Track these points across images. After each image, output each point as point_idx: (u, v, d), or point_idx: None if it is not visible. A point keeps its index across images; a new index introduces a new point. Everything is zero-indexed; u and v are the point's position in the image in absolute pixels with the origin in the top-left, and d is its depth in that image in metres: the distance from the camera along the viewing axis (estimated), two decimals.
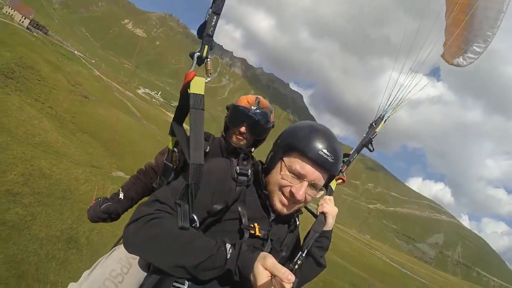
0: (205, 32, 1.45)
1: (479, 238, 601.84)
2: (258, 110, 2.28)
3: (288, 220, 1.64)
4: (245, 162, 1.60)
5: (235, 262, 1.17)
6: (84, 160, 18.46)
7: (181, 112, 1.60)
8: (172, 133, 1.76)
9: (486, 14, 2.88)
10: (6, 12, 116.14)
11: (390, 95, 2.74)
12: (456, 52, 3.20)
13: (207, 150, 2.17)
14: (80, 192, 11.04)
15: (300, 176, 1.43)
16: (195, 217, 1.32)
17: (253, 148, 2.39)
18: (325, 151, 1.41)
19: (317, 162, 1.41)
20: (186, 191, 1.32)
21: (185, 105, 1.50)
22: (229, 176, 1.50)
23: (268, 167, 1.56)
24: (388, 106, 2.74)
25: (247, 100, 2.33)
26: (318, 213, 1.82)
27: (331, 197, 1.88)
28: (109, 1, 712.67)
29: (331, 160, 1.43)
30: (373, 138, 2.62)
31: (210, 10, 1.43)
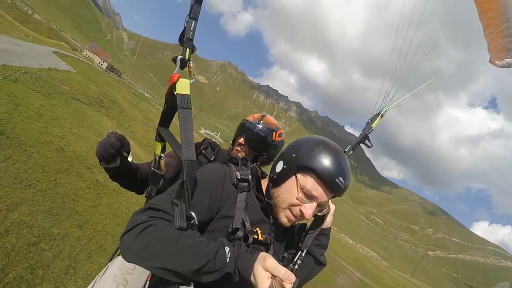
0: (185, 37, 1.50)
1: None
2: (259, 125, 2.31)
3: None
4: (244, 168, 1.62)
5: (234, 265, 1.15)
6: None
7: (167, 117, 1.66)
8: (159, 138, 1.78)
9: None
10: (86, 55, 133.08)
11: (387, 92, 2.69)
12: (502, 52, 3.06)
13: (212, 159, 2.16)
14: None
15: (311, 197, 1.43)
16: (194, 215, 1.31)
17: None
18: (341, 179, 1.41)
19: (331, 187, 1.42)
20: (182, 189, 1.31)
21: (170, 109, 1.57)
22: (229, 182, 1.51)
23: (278, 179, 1.52)
24: (386, 103, 2.71)
25: (253, 116, 2.40)
26: None
27: None
28: (174, 51, 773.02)
29: (343, 188, 1.43)
30: (369, 133, 2.65)
31: (188, 16, 1.50)
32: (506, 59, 3.05)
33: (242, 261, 1.16)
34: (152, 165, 1.99)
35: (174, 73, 1.49)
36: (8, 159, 7.55)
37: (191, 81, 1.50)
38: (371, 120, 2.70)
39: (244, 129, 2.34)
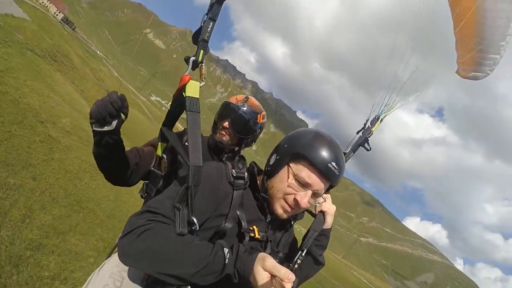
0: (200, 37, 1.46)
1: (471, 281, 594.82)
2: (244, 108, 2.26)
3: (284, 221, 1.61)
4: (240, 165, 1.59)
5: (233, 266, 1.16)
6: None
7: (173, 117, 1.65)
8: (163, 139, 1.76)
9: (495, 24, 2.81)
10: (42, 2, 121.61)
11: (385, 97, 2.69)
12: (471, 65, 3.12)
13: None
14: None
15: (305, 185, 1.42)
16: (195, 220, 1.29)
17: (237, 147, 2.34)
18: (333, 164, 1.40)
19: (325, 173, 1.41)
20: (186, 193, 1.29)
21: (177, 109, 1.57)
22: (225, 180, 1.48)
23: (271, 170, 1.53)
24: (384, 106, 2.71)
25: (236, 98, 2.34)
26: (317, 212, 1.79)
27: (329, 195, 1.84)
28: (134, 9, 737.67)
29: (337, 173, 1.43)
30: (369, 137, 2.65)
31: (207, 16, 1.44)
32: (473, 73, 3.17)
33: (241, 262, 1.16)
34: (152, 165, 1.95)
35: (186, 74, 1.46)
36: None
37: (201, 84, 1.47)
38: (370, 124, 2.71)
39: (229, 111, 2.27)
